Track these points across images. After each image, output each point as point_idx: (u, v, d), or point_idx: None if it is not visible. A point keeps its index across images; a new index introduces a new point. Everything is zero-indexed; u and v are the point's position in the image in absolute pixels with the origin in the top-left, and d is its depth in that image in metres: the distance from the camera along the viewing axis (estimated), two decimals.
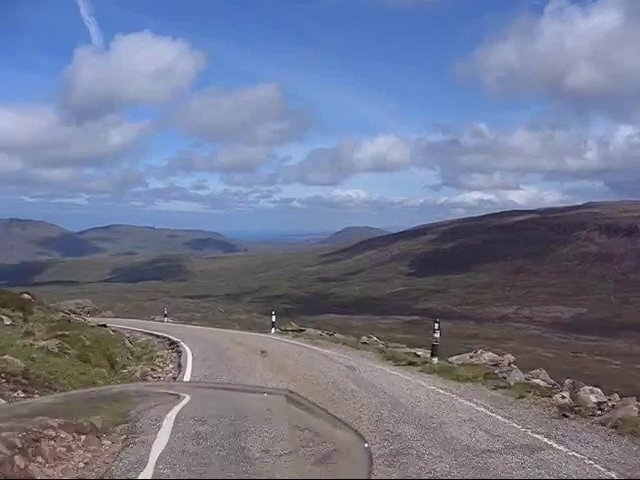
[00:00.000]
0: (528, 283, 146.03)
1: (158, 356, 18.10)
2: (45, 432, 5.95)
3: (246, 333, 31.54)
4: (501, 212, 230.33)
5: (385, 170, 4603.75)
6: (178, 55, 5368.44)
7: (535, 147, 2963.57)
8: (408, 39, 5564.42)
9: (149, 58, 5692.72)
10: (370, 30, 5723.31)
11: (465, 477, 6.91)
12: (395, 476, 6.72)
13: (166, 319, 44.95)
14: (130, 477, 5.74)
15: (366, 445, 1.32)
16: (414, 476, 6.77)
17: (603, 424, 9.55)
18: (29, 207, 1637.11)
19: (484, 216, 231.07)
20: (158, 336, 24.79)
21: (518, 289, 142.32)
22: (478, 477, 7.07)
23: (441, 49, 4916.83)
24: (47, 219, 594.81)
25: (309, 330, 29.73)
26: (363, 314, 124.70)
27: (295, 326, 31.66)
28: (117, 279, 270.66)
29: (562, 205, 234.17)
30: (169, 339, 23.09)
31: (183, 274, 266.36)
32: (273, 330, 28.72)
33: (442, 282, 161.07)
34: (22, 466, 5.26)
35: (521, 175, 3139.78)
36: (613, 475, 6.99)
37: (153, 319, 48.46)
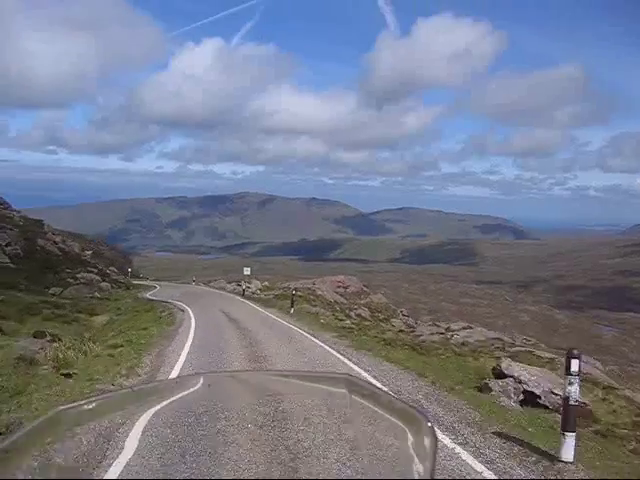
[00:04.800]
0: None
1: None
2: None
3: None
4: None
5: None
6: (477, 37, 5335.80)
7: None
8: None
9: (448, 41, 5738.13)
10: None
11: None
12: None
13: None
14: None
15: (429, 424, 1.34)
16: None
17: None
18: (327, 188, 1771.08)
19: None
20: None
21: None
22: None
23: None
24: (342, 199, 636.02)
25: None
26: None
27: None
28: (405, 260, 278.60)
29: None
30: None
31: (471, 258, 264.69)
32: None
33: None
34: None
35: None
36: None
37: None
